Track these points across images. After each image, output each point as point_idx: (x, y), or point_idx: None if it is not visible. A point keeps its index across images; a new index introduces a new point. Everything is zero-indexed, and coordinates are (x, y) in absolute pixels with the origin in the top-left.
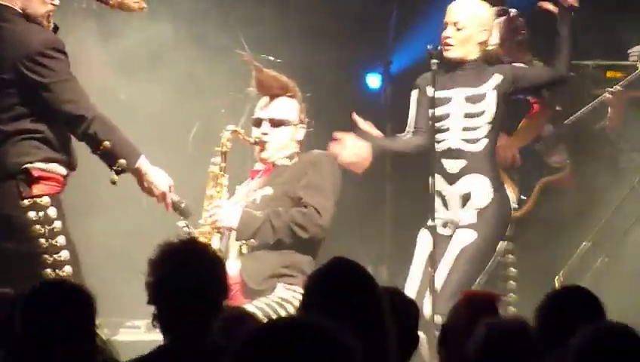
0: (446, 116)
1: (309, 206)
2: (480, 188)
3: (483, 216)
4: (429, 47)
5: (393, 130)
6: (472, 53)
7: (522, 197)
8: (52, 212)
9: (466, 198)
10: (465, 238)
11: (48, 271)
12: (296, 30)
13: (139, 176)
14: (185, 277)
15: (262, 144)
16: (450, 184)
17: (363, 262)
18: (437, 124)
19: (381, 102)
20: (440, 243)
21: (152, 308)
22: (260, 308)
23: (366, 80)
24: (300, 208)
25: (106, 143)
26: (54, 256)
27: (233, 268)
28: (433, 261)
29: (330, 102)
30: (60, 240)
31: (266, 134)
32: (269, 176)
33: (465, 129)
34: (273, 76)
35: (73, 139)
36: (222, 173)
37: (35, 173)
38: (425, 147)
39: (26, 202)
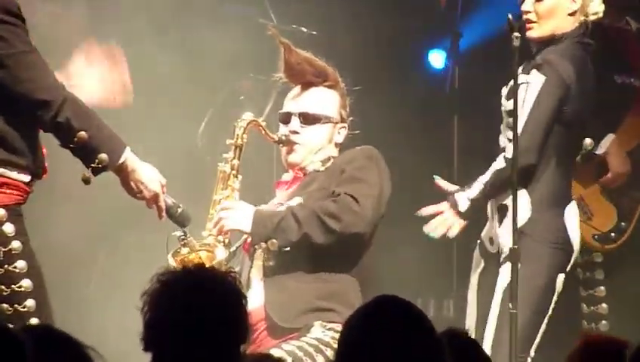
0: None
1: (342, 193)
2: (520, 203)
3: (523, 242)
4: (509, 15)
5: (461, 124)
6: (563, 26)
7: (622, 223)
8: (8, 228)
9: (502, 212)
10: (506, 275)
11: (4, 306)
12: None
13: (124, 174)
14: (192, 317)
15: (290, 145)
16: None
17: (426, 295)
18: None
19: (446, 86)
20: (488, 264)
21: (147, 357)
22: (291, 352)
23: (427, 58)
24: (332, 197)
25: (82, 134)
26: (12, 286)
27: (256, 298)
28: (514, 293)
29: (381, 90)
30: (20, 264)
31: (295, 133)
32: (298, 185)
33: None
34: (307, 59)
35: (40, 135)
36: (234, 172)
37: None
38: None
39: None
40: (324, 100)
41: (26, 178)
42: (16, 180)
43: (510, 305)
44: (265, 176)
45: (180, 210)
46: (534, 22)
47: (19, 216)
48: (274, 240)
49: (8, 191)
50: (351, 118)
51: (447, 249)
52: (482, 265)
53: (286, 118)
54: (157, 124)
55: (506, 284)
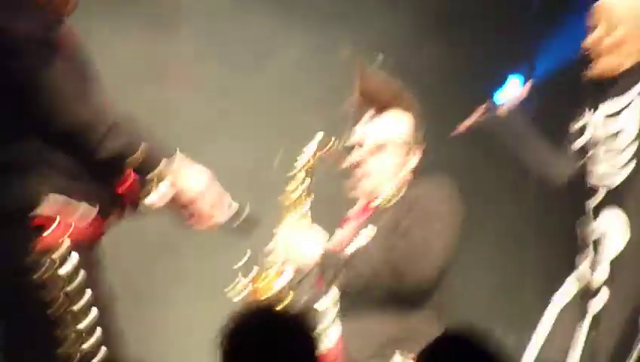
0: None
1: (415, 243)
2: (614, 228)
3: (617, 266)
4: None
5: None
6: (628, 60)
7: None
8: (67, 270)
9: (600, 244)
10: (596, 303)
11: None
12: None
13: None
14: (266, 359)
15: (359, 172)
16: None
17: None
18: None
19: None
20: (575, 303)
21: None
22: None
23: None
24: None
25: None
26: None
27: (331, 336)
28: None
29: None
30: (85, 298)
31: (366, 157)
32: (369, 216)
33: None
34: (383, 80)
35: None
36: (304, 194)
37: (39, 221)
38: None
39: (29, 259)
40: (399, 124)
41: (92, 209)
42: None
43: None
44: (335, 202)
45: (245, 214)
46: (605, 53)
47: (86, 255)
48: (341, 276)
49: (66, 230)
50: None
51: (526, 281)
52: (564, 302)
53: (359, 143)
54: (231, 163)
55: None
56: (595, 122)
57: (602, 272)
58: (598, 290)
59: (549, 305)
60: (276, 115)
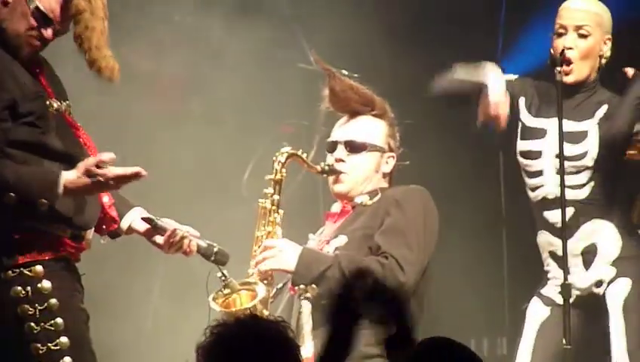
0: (537, 154)
1: (389, 257)
2: (605, 238)
3: (620, 266)
4: (552, 50)
5: (507, 163)
6: (594, 70)
7: None
8: (46, 285)
9: (590, 254)
10: (619, 291)
11: None
12: (379, 34)
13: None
14: None
15: (335, 174)
16: (559, 236)
17: (479, 333)
18: (526, 162)
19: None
20: (554, 315)
21: None
22: None
23: None
24: (379, 258)
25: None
26: (48, 344)
27: (306, 348)
28: (566, 329)
29: (424, 125)
30: (57, 321)
31: (341, 161)
32: (345, 220)
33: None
34: (352, 86)
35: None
36: (274, 207)
37: (19, 235)
38: None
39: (10, 273)
40: (371, 129)
41: (61, 232)
42: (52, 234)
43: (564, 341)
44: (313, 207)
45: (215, 249)
46: (572, 64)
47: (62, 270)
48: (314, 287)
49: (46, 246)
50: (401, 149)
51: (499, 284)
52: (545, 315)
53: (332, 147)
54: (203, 173)
55: (621, 327)
56: (551, 134)
57: (606, 273)
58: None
59: (527, 322)
60: (245, 125)
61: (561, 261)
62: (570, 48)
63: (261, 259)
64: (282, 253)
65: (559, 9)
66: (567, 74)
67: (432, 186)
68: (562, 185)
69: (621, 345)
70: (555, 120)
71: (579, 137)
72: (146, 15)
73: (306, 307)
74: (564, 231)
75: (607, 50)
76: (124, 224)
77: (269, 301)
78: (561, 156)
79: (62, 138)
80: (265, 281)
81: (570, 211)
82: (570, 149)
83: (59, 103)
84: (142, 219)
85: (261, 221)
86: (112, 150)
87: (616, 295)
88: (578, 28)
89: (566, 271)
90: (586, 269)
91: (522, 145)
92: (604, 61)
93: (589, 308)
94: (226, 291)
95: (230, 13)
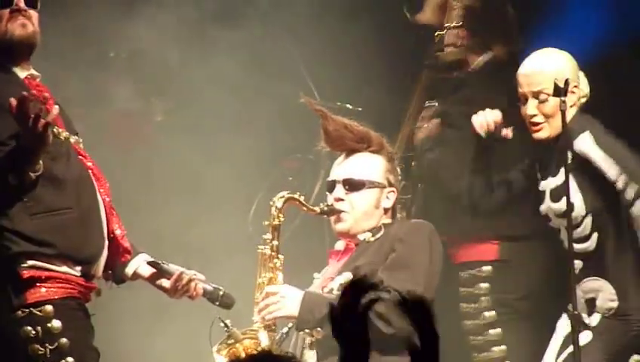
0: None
1: (392, 292)
2: (603, 294)
3: (604, 324)
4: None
5: None
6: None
7: None
8: (56, 324)
9: (591, 304)
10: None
11: None
12: (379, 72)
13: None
14: None
15: (335, 213)
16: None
17: None
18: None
19: None
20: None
21: None
22: None
23: None
24: (382, 293)
25: None
26: None
27: None
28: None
29: None
30: (68, 361)
31: (340, 200)
32: (349, 257)
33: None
34: (345, 124)
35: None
36: (274, 253)
37: (27, 274)
38: None
39: (19, 313)
40: (368, 165)
41: (71, 270)
42: (62, 273)
43: None
44: (317, 246)
45: (221, 293)
46: (542, 123)
47: (72, 310)
48: (320, 330)
49: (58, 285)
50: (403, 183)
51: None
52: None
53: (331, 186)
54: (208, 211)
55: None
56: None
57: (593, 320)
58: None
59: (556, 330)
60: (249, 161)
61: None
62: (534, 115)
63: (264, 307)
64: (284, 300)
65: (517, 75)
66: (537, 132)
67: (437, 220)
68: (570, 236)
69: None
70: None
71: (560, 191)
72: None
73: (311, 342)
74: (572, 272)
75: (575, 97)
76: (130, 270)
77: (274, 347)
78: (568, 211)
79: (71, 165)
80: (268, 329)
81: (579, 264)
82: (558, 206)
83: (67, 134)
84: (147, 263)
85: (261, 267)
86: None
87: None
88: (536, 94)
89: (574, 301)
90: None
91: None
92: (583, 100)
93: None
94: (230, 341)
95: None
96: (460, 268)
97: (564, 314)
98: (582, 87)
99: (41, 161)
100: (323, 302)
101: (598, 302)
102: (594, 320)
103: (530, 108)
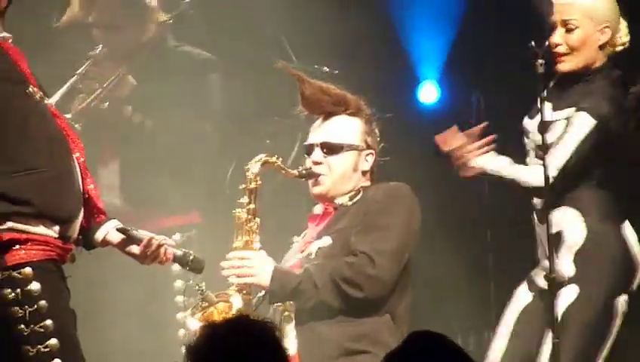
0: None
1: (358, 253)
2: (570, 225)
3: (580, 262)
4: (532, 44)
5: None
6: (593, 58)
7: None
8: (34, 287)
9: (558, 240)
10: (564, 300)
11: None
12: (355, 36)
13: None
14: None
15: (313, 176)
16: (541, 223)
17: (466, 330)
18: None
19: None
20: (540, 300)
21: None
22: None
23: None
24: (348, 257)
25: None
26: (38, 346)
27: (289, 346)
28: (554, 324)
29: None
30: (47, 323)
31: (318, 163)
32: (328, 221)
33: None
34: (322, 88)
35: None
36: (250, 216)
37: (6, 236)
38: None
39: None
40: (346, 128)
41: (49, 231)
42: (40, 235)
43: (551, 334)
44: (295, 210)
45: (191, 258)
46: (566, 54)
47: (50, 272)
48: (290, 303)
49: (35, 247)
50: (382, 145)
51: (485, 282)
52: (528, 300)
53: (309, 150)
54: (184, 175)
55: (563, 310)
56: (533, 125)
57: (566, 268)
58: (562, 286)
59: (510, 305)
60: (222, 132)
61: (542, 247)
62: (559, 44)
63: (237, 272)
64: (257, 269)
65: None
66: (560, 63)
67: (415, 182)
68: (546, 176)
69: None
70: (566, 111)
71: (554, 126)
72: None
73: (288, 306)
74: (549, 221)
75: (605, 37)
76: (100, 235)
77: (252, 311)
78: (544, 147)
79: (46, 124)
80: (243, 292)
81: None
82: (547, 137)
83: (41, 94)
84: (117, 230)
85: (238, 231)
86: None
87: (561, 304)
88: (565, 23)
89: (552, 263)
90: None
91: (537, 137)
92: (619, 48)
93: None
94: (204, 304)
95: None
96: None
97: (524, 282)
98: (619, 35)
99: None
100: (292, 276)
101: (565, 241)
102: (567, 267)
103: (557, 36)
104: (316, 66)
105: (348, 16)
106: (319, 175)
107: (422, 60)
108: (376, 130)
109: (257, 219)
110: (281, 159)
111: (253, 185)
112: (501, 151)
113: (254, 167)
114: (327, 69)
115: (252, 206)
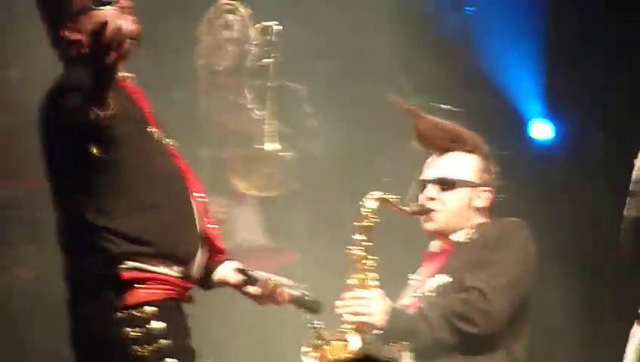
0: None
1: (470, 289)
2: None
3: None
4: None
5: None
6: None
7: None
8: (157, 325)
9: None
10: None
11: None
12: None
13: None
14: None
15: (427, 213)
16: None
17: None
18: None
19: None
20: None
21: None
22: None
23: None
24: (461, 293)
25: None
26: None
27: None
28: None
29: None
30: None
31: (432, 199)
32: (444, 258)
33: None
34: (437, 123)
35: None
36: (365, 254)
37: (128, 275)
38: None
39: (119, 314)
40: (461, 164)
41: (169, 271)
42: (161, 274)
43: None
44: (412, 248)
45: (308, 299)
46: None
47: (171, 311)
48: (404, 343)
49: (156, 286)
50: (499, 182)
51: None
52: None
53: (423, 186)
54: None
55: None
56: None
57: None
58: None
59: (628, 344)
60: (341, 169)
61: None
62: None
63: (353, 311)
64: (373, 308)
65: None
66: None
67: (531, 218)
68: None
69: None
70: None
71: None
72: None
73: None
74: None
75: None
76: (217, 276)
77: (367, 350)
78: None
79: (165, 163)
80: (358, 331)
81: None
82: None
83: (160, 134)
84: (235, 270)
85: (353, 268)
86: None
87: None
88: None
89: None
90: None
91: None
92: None
93: None
94: (319, 342)
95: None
96: None
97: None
98: None
99: (111, 102)
100: (407, 316)
101: None
102: None
103: None
104: (432, 104)
105: (459, 55)
106: (432, 211)
107: (527, 96)
108: (493, 167)
109: (372, 257)
110: (394, 196)
111: (367, 223)
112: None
113: (369, 203)
114: (445, 106)
115: (368, 244)
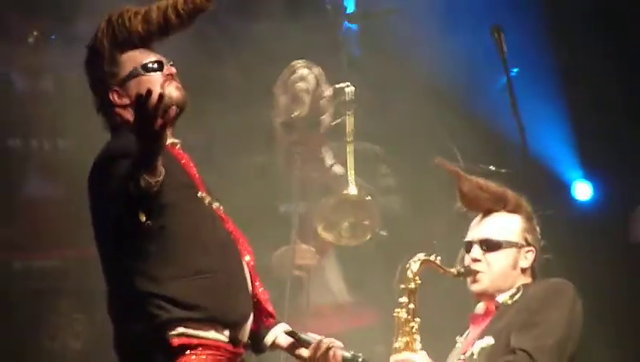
0: None
1: (517, 351)
2: None
3: None
4: None
5: None
6: None
7: None
8: None
9: None
10: None
11: None
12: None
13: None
14: None
15: (472, 274)
16: None
17: None
18: None
19: None
20: None
21: None
22: None
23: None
24: (508, 356)
25: None
26: None
27: None
28: None
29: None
30: None
31: (477, 261)
32: (490, 320)
33: None
34: (481, 185)
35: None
36: (410, 316)
37: (178, 341)
38: None
39: None
40: (505, 225)
41: (220, 336)
42: (211, 339)
43: None
44: (458, 310)
45: (360, 360)
46: None
47: None
48: None
49: (206, 352)
50: (542, 242)
51: None
52: None
53: (468, 247)
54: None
55: None
56: None
57: None
58: None
59: None
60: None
61: None
62: None
63: None
64: None
65: None
66: None
67: (577, 279)
68: None
69: None
70: None
71: None
72: None
73: None
74: None
75: None
76: (269, 339)
77: None
78: None
79: (216, 228)
80: None
81: None
82: None
83: (210, 199)
84: (286, 333)
85: (398, 331)
86: None
87: None
88: None
89: None
90: None
91: None
92: None
93: None
94: None
95: None
96: None
97: None
98: None
99: (161, 169)
100: None
101: None
102: None
103: None
104: (482, 165)
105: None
106: (477, 272)
107: (567, 158)
108: (537, 228)
109: (417, 319)
110: (439, 258)
111: (412, 285)
112: None
113: (414, 266)
114: (494, 168)
115: (412, 306)
